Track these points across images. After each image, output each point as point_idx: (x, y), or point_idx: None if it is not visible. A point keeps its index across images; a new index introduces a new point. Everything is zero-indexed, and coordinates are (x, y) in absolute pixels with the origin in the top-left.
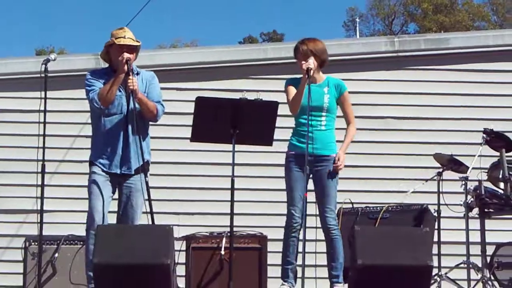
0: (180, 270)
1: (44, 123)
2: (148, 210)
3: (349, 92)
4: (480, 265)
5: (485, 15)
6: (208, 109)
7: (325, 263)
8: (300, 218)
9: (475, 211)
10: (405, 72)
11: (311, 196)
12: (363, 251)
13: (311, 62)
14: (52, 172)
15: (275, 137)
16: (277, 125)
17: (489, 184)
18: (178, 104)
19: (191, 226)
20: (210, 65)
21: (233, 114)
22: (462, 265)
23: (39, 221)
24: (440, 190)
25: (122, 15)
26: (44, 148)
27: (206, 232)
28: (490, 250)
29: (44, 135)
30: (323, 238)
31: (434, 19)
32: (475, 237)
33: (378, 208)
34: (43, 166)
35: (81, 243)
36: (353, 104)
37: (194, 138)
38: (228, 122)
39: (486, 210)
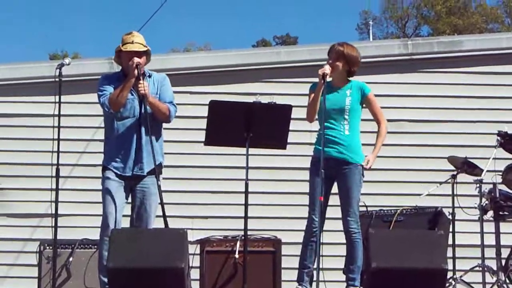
0: (194, 274)
1: (59, 127)
2: (162, 213)
3: None
4: (495, 268)
5: (498, 17)
6: (221, 113)
7: (339, 266)
8: (320, 222)
9: (490, 213)
10: (419, 75)
11: (333, 200)
12: (378, 254)
13: (327, 68)
14: (66, 176)
15: (289, 140)
16: (291, 128)
17: (503, 187)
18: (192, 108)
19: (205, 229)
20: (223, 68)
21: (246, 118)
22: (477, 268)
23: (53, 225)
24: (455, 192)
25: (136, 18)
26: (58, 152)
27: (220, 236)
28: (505, 253)
29: (58, 139)
30: (336, 241)
31: (447, 22)
32: (490, 240)
33: (393, 211)
34: (57, 170)
35: (96, 247)
36: (365, 107)
37: (208, 141)
38: (242, 126)
39: (500, 212)
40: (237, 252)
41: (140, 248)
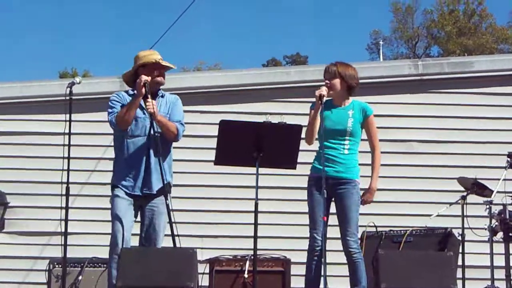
0: None
1: (69, 145)
2: (171, 232)
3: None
4: None
5: (508, 37)
6: (231, 133)
7: (345, 286)
8: (321, 242)
9: (500, 235)
10: (429, 96)
11: (332, 219)
12: (387, 275)
13: (324, 89)
14: (76, 195)
15: (298, 160)
16: (300, 148)
17: None
18: (202, 127)
19: (215, 249)
20: (233, 88)
21: (256, 138)
22: None
23: (63, 243)
24: (464, 213)
25: (145, 37)
26: (68, 170)
27: (230, 255)
28: None
29: (68, 158)
30: (342, 261)
31: (457, 42)
32: (499, 261)
33: (402, 231)
34: (67, 189)
35: (105, 265)
36: (376, 127)
37: (218, 161)
38: (252, 146)
39: (510, 234)
40: (246, 272)
41: (149, 267)
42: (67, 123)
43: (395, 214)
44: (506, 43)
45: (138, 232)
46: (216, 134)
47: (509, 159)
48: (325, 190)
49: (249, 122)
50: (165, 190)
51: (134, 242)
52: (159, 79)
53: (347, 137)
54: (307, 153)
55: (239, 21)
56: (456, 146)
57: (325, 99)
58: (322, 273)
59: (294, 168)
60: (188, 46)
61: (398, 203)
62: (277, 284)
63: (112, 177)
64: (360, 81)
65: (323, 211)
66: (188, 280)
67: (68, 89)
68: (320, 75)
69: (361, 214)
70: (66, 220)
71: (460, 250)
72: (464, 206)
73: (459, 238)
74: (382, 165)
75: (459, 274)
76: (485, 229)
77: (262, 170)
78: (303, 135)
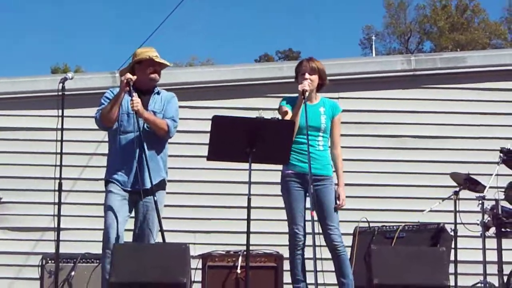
0: None
1: (62, 141)
2: (159, 228)
3: (366, 111)
4: (497, 285)
5: (501, 33)
6: (224, 128)
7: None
8: (303, 236)
9: (492, 230)
10: (422, 91)
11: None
12: (380, 271)
13: (306, 84)
14: (68, 190)
15: None
16: None
17: (506, 204)
18: (194, 122)
19: (207, 244)
20: (226, 83)
21: (249, 133)
22: (479, 285)
23: (56, 239)
24: (457, 209)
25: (138, 33)
26: (61, 166)
27: (222, 251)
28: (507, 269)
29: (61, 153)
30: (329, 256)
31: (450, 38)
32: (492, 256)
33: (395, 227)
34: (60, 184)
35: (98, 261)
36: (368, 123)
37: (211, 156)
38: (245, 141)
39: (503, 229)
40: (239, 267)
41: (142, 263)
42: (60, 118)
43: (388, 209)
44: (499, 38)
45: (132, 227)
46: (209, 129)
47: (501, 154)
48: (311, 186)
49: (241, 118)
50: (152, 187)
51: (128, 237)
52: (153, 75)
53: (320, 134)
54: None
55: (231, 17)
56: (449, 141)
57: (307, 94)
58: (313, 269)
59: (287, 163)
60: (181, 41)
61: (390, 199)
62: (270, 279)
63: (105, 172)
64: (353, 76)
65: (303, 207)
66: (181, 276)
67: (61, 84)
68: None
69: (353, 209)
70: (59, 216)
71: (453, 246)
72: (457, 201)
73: (452, 233)
74: (375, 160)
75: (451, 269)
76: (478, 224)
77: (254, 166)
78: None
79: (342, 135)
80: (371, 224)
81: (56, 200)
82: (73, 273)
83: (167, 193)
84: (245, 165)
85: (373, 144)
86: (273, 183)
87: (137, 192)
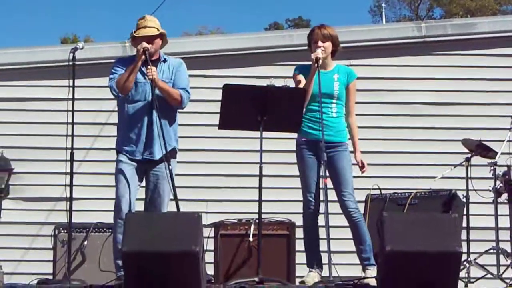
0: (209, 257)
1: (73, 111)
2: (174, 198)
3: (377, 78)
4: (509, 251)
5: None
6: (235, 97)
7: (349, 249)
8: (317, 205)
9: (504, 196)
10: (432, 58)
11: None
12: (392, 237)
13: (319, 52)
14: (80, 160)
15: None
16: None
17: None
18: (205, 91)
19: (219, 213)
20: (237, 52)
21: (260, 101)
22: (491, 251)
23: (68, 208)
24: (469, 175)
25: (148, 2)
26: (72, 136)
27: (234, 219)
28: None
29: (72, 123)
30: (343, 224)
31: (460, 4)
32: (504, 222)
33: (406, 194)
34: (72, 154)
35: (110, 230)
36: (380, 90)
37: (222, 125)
38: (256, 109)
39: None
40: (251, 236)
41: (154, 232)
42: (71, 88)
43: (399, 176)
44: (509, 4)
45: (143, 197)
46: (220, 98)
47: None
48: (325, 154)
49: (253, 86)
50: (166, 156)
51: (139, 207)
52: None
53: (334, 101)
54: None
55: None
56: (460, 108)
57: (320, 61)
58: (325, 236)
59: (298, 131)
60: (189, 10)
61: (402, 166)
62: (282, 247)
63: (115, 143)
64: (364, 43)
65: (317, 174)
66: (193, 244)
67: (71, 54)
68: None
69: (365, 177)
70: (71, 186)
71: (465, 212)
72: (469, 168)
73: (464, 200)
74: (386, 127)
75: (463, 236)
76: (490, 190)
77: (266, 134)
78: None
79: None
80: (383, 192)
81: (68, 170)
82: (85, 242)
83: (178, 162)
84: (257, 134)
85: (384, 111)
86: (285, 151)
87: (147, 161)
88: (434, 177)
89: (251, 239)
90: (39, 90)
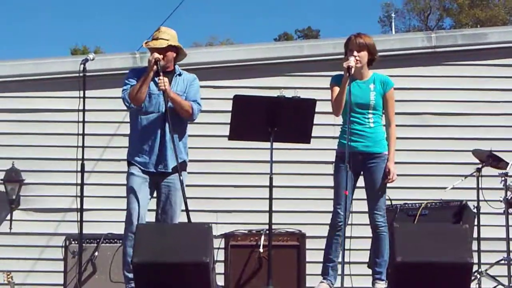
0: (219, 268)
1: (84, 122)
2: (185, 209)
3: None
4: None
5: None
6: (245, 107)
7: (363, 260)
8: (344, 217)
9: None
10: (443, 68)
11: (357, 194)
12: (402, 248)
13: (352, 60)
14: (90, 171)
15: (312, 134)
16: (314, 122)
17: None
18: (215, 102)
19: (230, 223)
20: (247, 62)
21: (270, 112)
22: (502, 262)
23: (78, 219)
24: (480, 186)
25: (157, 12)
26: (83, 147)
27: (245, 230)
28: None
29: (83, 134)
30: (362, 235)
31: (470, 14)
32: None
33: (417, 204)
34: (82, 165)
35: (121, 241)
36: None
37: (232, 136)
38: (266, 120)
39: None
40: (261, 246)
41: (165, 243)
42: (81, 99)
43: (410, 187)
44: None
45: (155, 208)
46: (230, 109)
47: None
48: (347, 164)
49: (263, 97)
50: (179, 167)
51: (151, 218)
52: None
53: (370, 111)
54: (320, 127)
55: None
56: (471, 118)
57: (353, 70)
58: (340, 247)
59: (309, 142)
60: (199, 21)
61: (413, 176)
62: (293, 258)
63: (127, 154)
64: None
65: (349, 187)
66: (204, 255)
67: (82, 65)
68: (333, 48)
69: None
70: (82, 197)
71: (476, 223)
72: (479, 178)
73: (474, 210)
74: (396, 138)
75: (474, 246)
76: (501, 201)
77: (276, 145)
78: (317, 109)
79: None
80: (394, 202)
81: (79, 181)
82: (96, 253)
83: (189, 173)
84: (267, 144)
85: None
86: (295, 162)
87: (159, 173)
88: (445, 188)
89: (261, 250)
90: (50, 101)
